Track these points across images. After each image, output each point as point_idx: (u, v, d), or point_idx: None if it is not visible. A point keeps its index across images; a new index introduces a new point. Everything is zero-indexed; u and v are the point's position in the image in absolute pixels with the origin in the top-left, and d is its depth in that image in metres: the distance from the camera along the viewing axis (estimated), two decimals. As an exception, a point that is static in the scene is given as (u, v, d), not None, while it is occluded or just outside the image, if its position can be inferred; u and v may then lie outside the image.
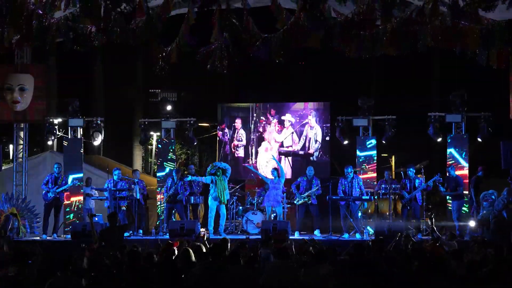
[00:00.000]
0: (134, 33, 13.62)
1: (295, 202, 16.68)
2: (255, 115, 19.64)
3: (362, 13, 12.49)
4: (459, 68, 23.59)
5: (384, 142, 17.42)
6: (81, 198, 17.37)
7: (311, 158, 19.08)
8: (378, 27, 13.06)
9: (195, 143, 19.46)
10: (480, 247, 11.22)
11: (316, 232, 16.41)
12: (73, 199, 17.41)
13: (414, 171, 16.42)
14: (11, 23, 13.33)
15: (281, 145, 19.42)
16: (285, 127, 19.39)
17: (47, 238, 16.53)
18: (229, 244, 10.67)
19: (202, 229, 15.37)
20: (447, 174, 16.44)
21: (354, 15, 12.73)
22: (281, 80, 28.29)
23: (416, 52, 13.72)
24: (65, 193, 17.03)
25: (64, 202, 17.13)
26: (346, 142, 17.79)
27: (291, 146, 19.40)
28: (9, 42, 14.08)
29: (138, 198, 16.79)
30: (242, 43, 13.60)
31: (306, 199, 16.43)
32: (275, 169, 16.92)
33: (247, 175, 19.22)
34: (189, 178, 16.91)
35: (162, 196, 17.35)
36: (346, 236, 16.02)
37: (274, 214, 16.61)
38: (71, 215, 17.35)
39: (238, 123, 19.56)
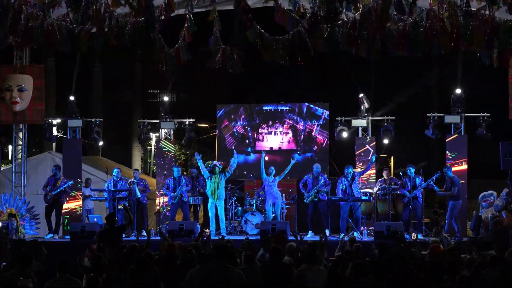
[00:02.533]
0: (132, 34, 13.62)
1: (304, 201, 16.66)
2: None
3: (371, 15, 12.48)
4: (458, 68, 23.62)
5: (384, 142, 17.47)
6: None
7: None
8: (389, 28, 13.03)
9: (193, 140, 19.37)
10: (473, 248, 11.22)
11: (326, 231, 16.31)
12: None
13: (414, 170, 16.42)
14: (9, 25, 13.29)
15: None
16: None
17: (48, 238, 16.50)
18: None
19: (207, 230, 15.27)
20: (445, 175, 16.45)
21: (363, 17, 12.72)
22: (280, 80, 28.32)
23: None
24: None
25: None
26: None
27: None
28: (8, 44, 14.05)
29: (138, 197, 16.76)
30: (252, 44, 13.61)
31: (313, 197, 16.42)
32: (271, 168, 16.83)
33: (246, 174, 19.09)
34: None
35: (164, 198, 17.34)
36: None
37: (274, 215, 16.57)
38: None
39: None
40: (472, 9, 12.28)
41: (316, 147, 19.32)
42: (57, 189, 16.56)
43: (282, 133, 19.55)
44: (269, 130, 19.60)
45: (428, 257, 10.04)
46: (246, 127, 19.66)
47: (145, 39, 13.49)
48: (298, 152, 18.17)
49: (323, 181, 16.47)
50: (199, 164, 16.62)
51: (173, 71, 14.18)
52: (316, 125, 19.28)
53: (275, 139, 19.55)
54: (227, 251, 8.86)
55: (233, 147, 19.47)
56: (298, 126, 19.40)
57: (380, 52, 13.38)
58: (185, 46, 13.76)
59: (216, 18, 13.50)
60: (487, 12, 12.30)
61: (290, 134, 19.46)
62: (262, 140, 19.60)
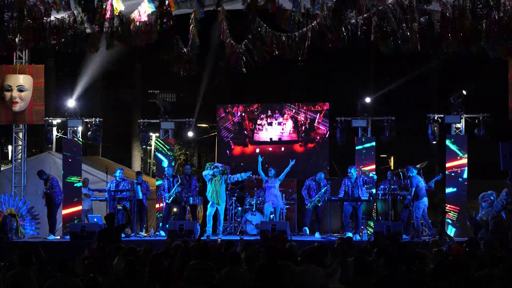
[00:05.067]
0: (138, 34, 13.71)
1: (306, 206, 16.70)
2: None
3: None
4: (458, 69, 23.63)
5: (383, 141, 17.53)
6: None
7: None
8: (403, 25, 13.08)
9: (194, 140, 19.38)
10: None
11: (316, 233, 16.41)
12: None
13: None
14: (18, 24, 13.29)
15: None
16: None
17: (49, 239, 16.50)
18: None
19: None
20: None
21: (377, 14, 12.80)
22: (280, 80, 28.32)
23: (415, 52, 13.74)
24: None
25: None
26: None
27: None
28: (12, 43, 14.05)
29: (140, 198, 16.78)
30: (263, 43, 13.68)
31: (316, 203, 16.46)
32: (272, 168, 16.84)
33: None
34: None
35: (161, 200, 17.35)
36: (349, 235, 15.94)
37: (273, 216, 16.55)
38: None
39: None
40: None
41: (318, 137, 19.16)
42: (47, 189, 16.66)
43: (282, 123, 19.37)
44: (269, 120, 19.42)
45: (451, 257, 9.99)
46: (244, 115, 19.51)
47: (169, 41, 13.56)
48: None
49: (325, 189, 16.46)
50: (208, 172, 16.44)
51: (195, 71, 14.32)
52: (318, 114, 19.12)
53: (274, 130, 19.38)
54: (206, 250, 8.95)
55: (229, 140, 19.37)
56: (298, 117, 19.25)
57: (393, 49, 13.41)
58: (196, 47, 13.85)
59: (223, 18, 13.56)
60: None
61: (291, 125, 19.28)
62: (261, 131, 19.43)
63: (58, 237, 16.88)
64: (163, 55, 14.12)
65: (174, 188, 16.71)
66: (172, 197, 16.78)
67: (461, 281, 8.10)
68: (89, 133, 17.99)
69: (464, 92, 17.03)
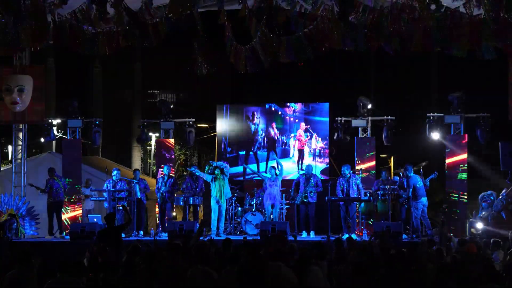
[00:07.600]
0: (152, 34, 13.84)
1: (295, 202, 16.68)
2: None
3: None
4: (458, 68, 23.63)
5: (385, 143, 17.53)
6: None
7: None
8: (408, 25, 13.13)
9: (192, 144, 19.42)
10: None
11: (311, 233, 16.36)
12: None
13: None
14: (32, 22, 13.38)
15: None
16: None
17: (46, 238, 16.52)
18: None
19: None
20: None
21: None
22: (280, 80, 28.32)
23: (415, 53, 13.75)
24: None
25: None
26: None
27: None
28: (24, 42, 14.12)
29: (139, 197, 16.77)
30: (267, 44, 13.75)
31: (303, 198, 16.41)
32: (272, 167, 16.87)
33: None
34: (193, 169, 16.88)
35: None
36: (346, 236, 15.95)
37: (273, 215, 16.55)
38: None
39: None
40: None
41: (318, 137, 19.04)
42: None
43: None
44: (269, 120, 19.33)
45: (462, 258, 9.98)
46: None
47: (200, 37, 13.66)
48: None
49: (313, 183, 16.42)
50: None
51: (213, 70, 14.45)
52: (318, 114, 18.96)
53: (274, 129, 19.27)
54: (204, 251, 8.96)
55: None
56: (298, 117, 19.12)
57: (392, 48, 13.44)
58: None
59: (225, 19, 13.64)
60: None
61: (291, 125, 19.14)
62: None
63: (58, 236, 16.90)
64: (198, 55, 14.23)
65: (161, 188, 16.76)
66: (159, 197, 16.85)
67: (463, 281, 8.12)
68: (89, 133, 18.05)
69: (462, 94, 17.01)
